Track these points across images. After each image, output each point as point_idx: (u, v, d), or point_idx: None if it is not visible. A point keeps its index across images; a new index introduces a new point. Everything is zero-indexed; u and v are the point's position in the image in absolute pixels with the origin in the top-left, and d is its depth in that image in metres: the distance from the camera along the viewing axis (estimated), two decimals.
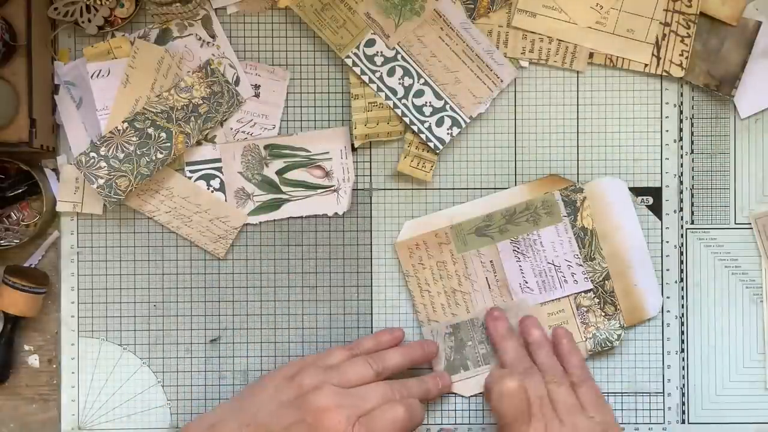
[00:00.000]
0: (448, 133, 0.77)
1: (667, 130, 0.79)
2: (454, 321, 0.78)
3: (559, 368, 0.74)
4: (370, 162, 0.79)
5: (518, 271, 0.77)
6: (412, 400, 0.71)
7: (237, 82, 0.78)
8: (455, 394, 0.79)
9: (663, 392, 0.79)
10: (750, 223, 0.79)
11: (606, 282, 0.77)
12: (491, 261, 0.77)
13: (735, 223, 0.79)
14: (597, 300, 0.77)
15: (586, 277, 0.77)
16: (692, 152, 0.79)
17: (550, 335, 0.77)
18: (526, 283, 0.77)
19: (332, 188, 0.79)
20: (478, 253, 0.78)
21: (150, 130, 0.76)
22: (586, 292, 0.77)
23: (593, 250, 0.77)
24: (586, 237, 0.77)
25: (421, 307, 0.78)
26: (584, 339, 0.78)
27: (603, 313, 0.77)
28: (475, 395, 0.79)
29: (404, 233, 0.78)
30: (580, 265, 0.77)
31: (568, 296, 0.78)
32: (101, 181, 0.75)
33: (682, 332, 0.79)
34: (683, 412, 0.79)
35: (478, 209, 0.78)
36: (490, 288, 0.78)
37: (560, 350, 0.75)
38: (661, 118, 0.79)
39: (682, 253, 0.79)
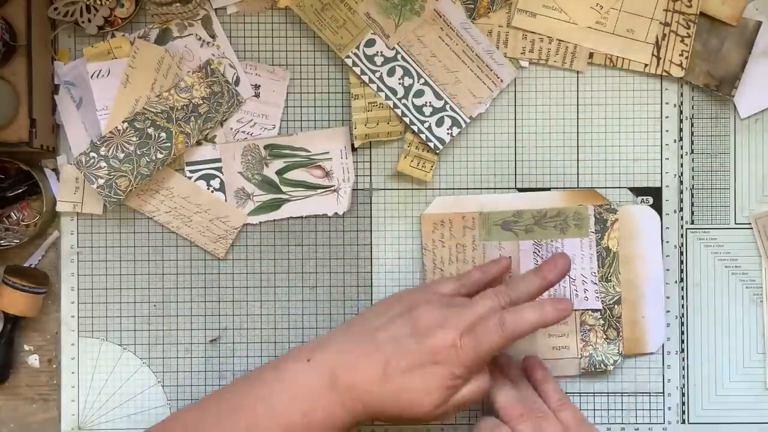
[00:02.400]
0: (448, 133, 0.77)
1: (667, 130, 0.79)
2: None
3: (539, 401, 0.72)
4: (370, 162, 0.79)
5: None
6: (517, 313, 0.68)
7: (237, 82, 0.78)
8: None
9: (663, 392, 0.79)
10: (750, 223, 0.79)
11: (615, 306, 0.77)
12: (510, 257, 0.77)
13: (735, 223, 0.79)
14: (602, 322, 0.77)
15: (598, 297, 0.77)
16: (692, 152, 0.79)
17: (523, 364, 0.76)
18: None
19: (332, 188, 0.79)
20: (499, 246, 0.78)
21: (150, 130, 0.76)
22: (593, 311, 0.77)
23: (611, 272, 0.77)
24: (607, 258, 0.77)
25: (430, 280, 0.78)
26: (579, 356, 0.77)
27: (605, 336, 0.77)
28: None
29: (433, 207, 0.78)
30: (595, 283, 0.77)
31: (575, 311, 0.77)
32: (101, 181, 0.75)
33: (682, 332, 0.79)
34: (683, 412, 0.79)
35: (511, 202, 0.78)
36: (501, 282, 0.77)
37: (534, 379, 0.74)
38: (661, 118, 0.79)
39: (682, 253, 0.79)
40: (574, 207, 0.77)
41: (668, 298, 0.79)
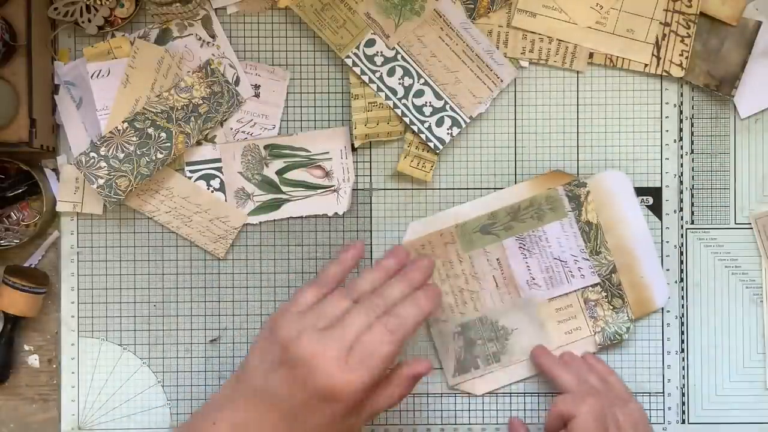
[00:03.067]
0: (448, 133, 0.77)
1: (667, 130, 0.79)
2: (463, 320, 0.78)
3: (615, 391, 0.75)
4: (370, 162, 0.79)
5: (525, 268, 0.78)
6: (397, 314, 0.66)
7: (237, 82, 0.78)
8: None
9: (663, 392, 0.79)
10: (750, 223, 0.79)
11: (612, 275, 0.77)
12: (497, 259, 0.78)
13: (735, 223, 0.79)
14: (604, 293, 0.77)
15: (593, 271, 0.77)
16: (692, 152, 0.79)
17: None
18: (534, 279, 0.77)
19: (332, 188, 0.79)
20: (485, 252, 0.78)
21: (150, 130, 0.76)
22: (593, 286, 0.78)
23: (599, 243, 0.77)
24: (591, 231, 0.77)
25: None
26: (593, 333, 0.78)
27: (611, 307, 0.78)
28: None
29: (409, 234, 0.78)
30: (587, 259, 0.77)
31: (575, 291, 0.78)
32: (101, 181, 0.75)
33: (682, 332, 0.79)
34: (683, 412, 0.79)
35: (482, 208, 0.78)
36: (497, 286, 0.78)
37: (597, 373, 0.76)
38: (661, 118, 0.79)
39: (682, 253, 0.79)
40: (544, 193, 0.77)
41: (668, 298, 0.79)
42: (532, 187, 0.78)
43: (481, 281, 0.78)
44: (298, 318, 0.66)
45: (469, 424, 0.80)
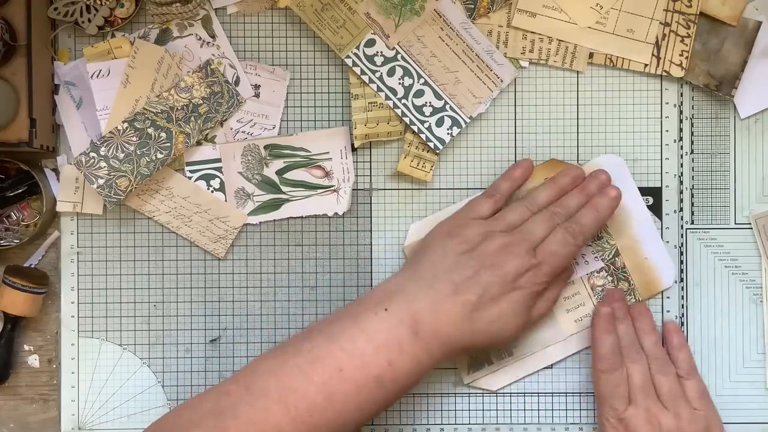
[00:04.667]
0: (448, 133, 0.77)
1: (667, 130, 0.79)
2: None
3: (666, 358, 0.75)
4: (370, 162, 0.79)
5: None
6: (577, 220, 0.72)
7: (237, 82, 0.78)
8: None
9: None
10: (750, 223, 0.79)
11: (616, 259, 0.78)
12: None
13: (735, 223, 0.79)
14: (610, 278, 0.78)
15: (596, 257, 0.78)
16: (692, 152, 0.79)
17: (661, 327, 0.78)
18: None
19: (332, 188, 0.79)
20: None
21: (150, 130, 0.76)
22: (598, 271, 0.78)
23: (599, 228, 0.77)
24: None
25: None
26: None
27: (619, 290, 0.78)
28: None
29: (411, 236, 0.78)
30: (589, 245, 0.78)
31: (581, 278, 0.78)
32: (101, 181, 0.75)
33: (682, 332, 0.79)
34: None
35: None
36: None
37: (670, 343, 0.77)
38: (661, 118, 0.79)
39: (682, 253, 0.79)
40: (541, 183, 0.77)
41: (668, 298, 0.79)
42: (530, 178, 0.78)
43: None
44: (480, 223, 0.72)
45: (469, 424, 0.80)
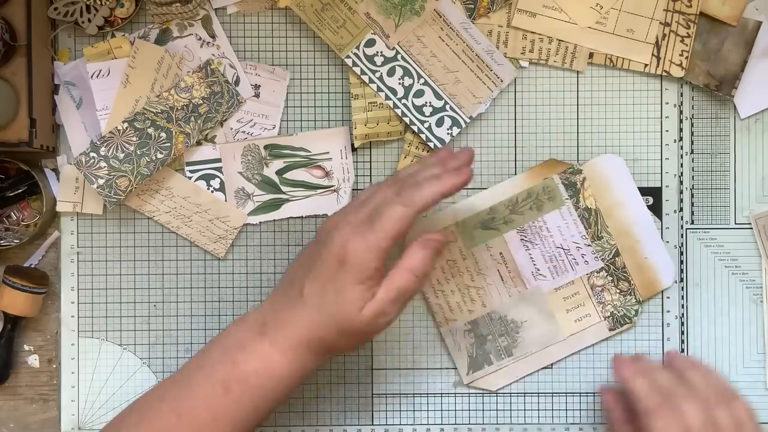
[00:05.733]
0: (448, 133, 0.77)
1: (667, 130, 0.79)
2: (472, 317, 0.78)
3: (723, 385, 0.67)
4: (370, 162, 0.79)
5: (529, 260, 0.78)
6: (416, 184, 0.66)
7: (237, 82, 0.78)
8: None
9: None
10: (750, 223, 0.79)
11: (616, 259, 0.78)
12: (501, 253, 0.78)
13: (735, 223, 0.79)
14: (610, 278, 0.78)
15: (596, 257, 0.78)
16: (692, 152, 0.79)
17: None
18: (538, 270, 0.78)
19: (332, 188, 0.79)
20: (487, 247, 0.78)
21: (150, 130, 0.76)
22: (598, 271, 0.78)
23: (599, 228, 0.77)
24: (590, 217, 0.77)
25: (437, 308, 0.78)
26: (603, 318, 0.78)
27: (618, 290, 0.78)
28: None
29: (410, 236, 0.78)
30: (589, 245, 0.78)
31: (581, 278, 0.78)
32: (101, 181, 0.75)
33: (682, 332, 0.79)
34: None
35: (480, 203, 0.78)
36: (503, 280, 0.78)
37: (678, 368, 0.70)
38: (661, 118, 0.79)
39: (682, 253, 0.79)
40: (541, 183, 0.78)
41: (668, 298, 0.79)
42: (529, 178, 0.78)
43: (486, 277, 0.78)
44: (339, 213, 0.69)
45: (469, 424, 0.79)
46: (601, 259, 0.78)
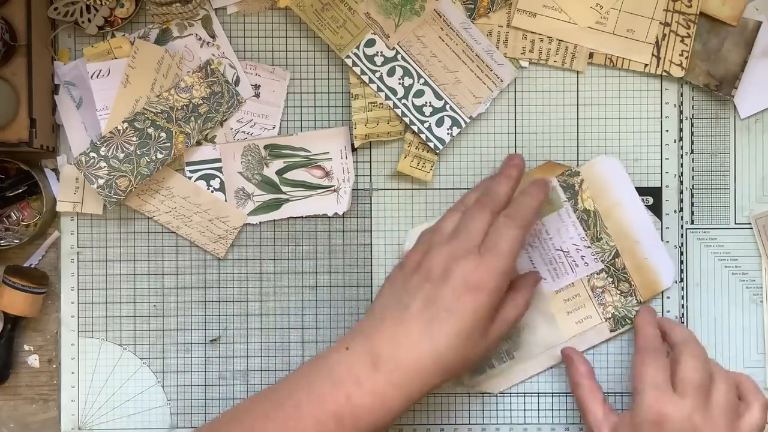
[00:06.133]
0: (448, 133, 0.77)
1: (667, 130, 0.79)
2: None
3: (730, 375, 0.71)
4: (370, 162, 0.79)
5: (529, 262, 0.78)
6: (513, 205, 0.70)
7: (237, 82, 0.78)
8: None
9: None
10: (750, 223, 0.79)
11: (616, 260, 0.77)
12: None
13: (735, 223, 0.79)
14: (610, 279, 0.77)
15: (596, 258, 0.77)
16: (692, 152, 0.79)
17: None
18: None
19: (332, 188, 0.79)
20: None
21: (150, 130, 0.76)
22: (598, 272, 0.77)
23: (598, 230, 0.77)
24: (589, 219, 0.77)
25: None
26: (604, 320, 0.78)
27: (618, 291, 0.77)
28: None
29: (409, 241, 0.78)
30: (588, 246, 0.77)
31: (581, 279, 0.78)
32: (101, 181, 0.75)
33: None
34: None
35: None
36: None
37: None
38: (661, 118, 0.79)
39: (682, 254, 0.79)
40: None
41: (668, 298, 0.79)
42: (526, 181, 0.78)
43: None
44: (421, 242, 0.71)
45: (469, 424, 0.80)
46: (601, 261, 0.77)
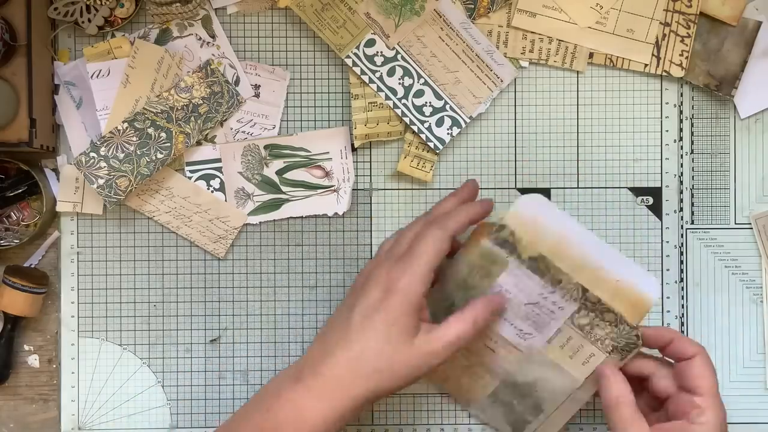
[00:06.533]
0: (448, 133, 0.77)
1: (667, 130, 0.79)
2: (489, 390, 0.76)
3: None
4: (370, 162, 0.79)
5: (508, 325, 0.73)
6: (446, 214, 0.70)
7: (237, 82, 0.78)
8: None
9: None
10: (750, 223, 0.79)
11: (587, 294, 0.70)
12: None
13: (735, 223, 0.79)
14: (593, 314, 0.71)
15: (566, 299, 0.71)
16: (692, 152, 0.79)
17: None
18: (522, 330, 0.72)
19: (332, 188, 0.79)
20: None
21: (150, 130, 0.76)
22: (577, 311, 0.71)
23: (554, 273, 0.70)
24: (540, 265, 0.70)
25: (454, 392, 0.77)
26: (607, 353, 0.72)
27: (607, 323, 0.71)
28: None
29: None
30: (553, 292, 0.71)
31: (565, 323, 0.71)
32: (101, 181, 0.75)
33: (682, 332, 0.79)
34: None
35: (436, 291, 0.73)
36: (495, 351, 0.74)
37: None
38: (661, 118, 0.79)
39: (682, 253, 0.79)
40: (476, 252, 0.71)
41: (668, 298, 0.79)
42: (465, 252, 0.72)
43: (478, 355, 0.74)
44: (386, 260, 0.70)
45: (469, 424, 0.79)
46: (573, 300, 0.70)
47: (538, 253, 0.70)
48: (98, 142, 0.75)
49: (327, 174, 0.79)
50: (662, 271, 0.79)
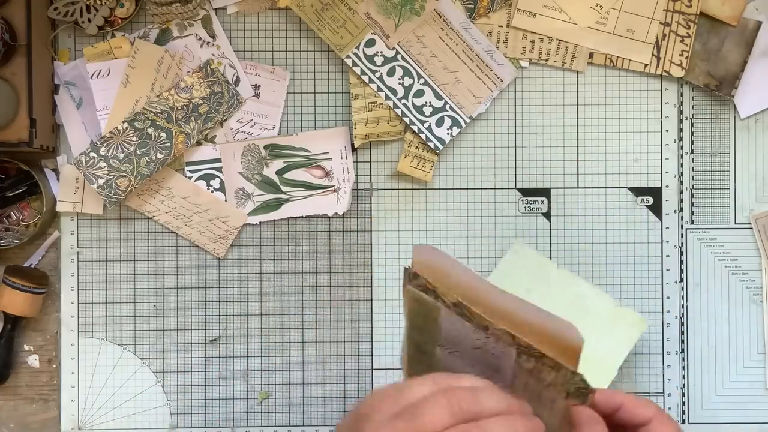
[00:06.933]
0: (448, 133, 0.77)
1: (667, 130, 0.79)
2: None
3: None
4: (370, 162, 0.79)
5: (470, 368, 0.61)
6: (485, 427, 0.53)
7: (237, 82, 0.78)
8: None
9: (663, 392, 0.79)
10: (750, 223, 0.79)
11: (517, 339, 0.57)
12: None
13: (735, 223, 0.79)
14: (533, 359, 0.58)
15: (503, 344, 0.59)
16: (692, 152, 0.79)
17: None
18: (483, 373, 0.60)
19: (332, 188, 0.79)
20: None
21: (150, 130, 0.76)
22: (518, 356, 0.58)
23: (477, 319, 0.59)
24: (464, 310, 0.59)
25: None
26: (567, 396, 0.58)
27: (549, 368, 0.57)
28: None
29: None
30: (487, 337, 0.59)
31: (513, 369, 0.59)
32: (101, 181, 0.75)
33: (682, 332, 0.79)
34: (683, 412, 0.79)
35: (408, 333, 0.63)
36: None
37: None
38: (661, 118, 0.79)
39: (682, 253, 0.79)
40: (407, 296, 0.61)
41: (668, 298, 0.79)
42: (404, 296, 0.62)
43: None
44: (376, 395, 0.55)
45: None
46: (508, 345, 0.58)
47: (456, 299, 0.60)
48: (98, 142, 0.75)
49: (327, 174, 0.79)
50: (662, 271, 0.79)
